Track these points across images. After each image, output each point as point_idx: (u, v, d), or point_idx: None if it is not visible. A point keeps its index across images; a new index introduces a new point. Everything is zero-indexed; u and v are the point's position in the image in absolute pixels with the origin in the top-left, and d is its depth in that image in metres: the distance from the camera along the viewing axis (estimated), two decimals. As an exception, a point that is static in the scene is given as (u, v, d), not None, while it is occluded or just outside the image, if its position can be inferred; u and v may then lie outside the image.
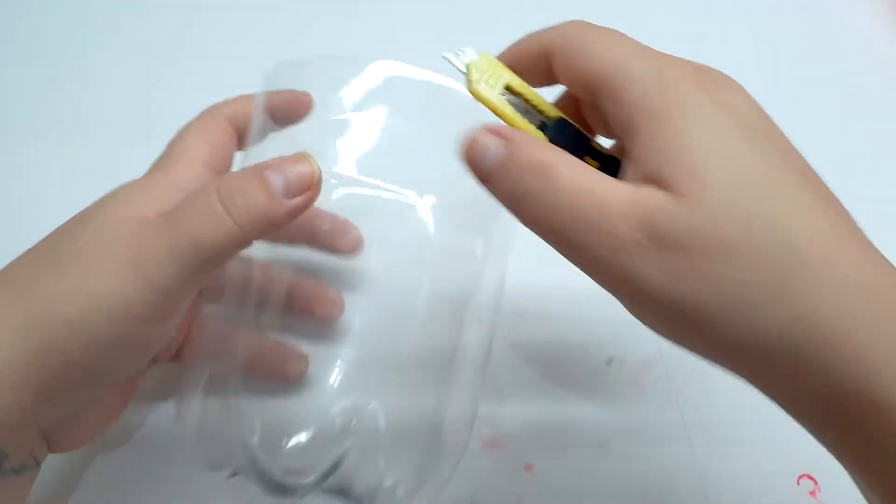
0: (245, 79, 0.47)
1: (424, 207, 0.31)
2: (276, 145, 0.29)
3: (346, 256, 0.33)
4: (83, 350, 0.23)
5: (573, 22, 0.23)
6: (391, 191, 0.31)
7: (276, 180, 0.24)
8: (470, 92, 0.23)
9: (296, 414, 0.30)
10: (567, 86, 0.24)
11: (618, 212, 0.19)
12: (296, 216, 0.25)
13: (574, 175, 0.20)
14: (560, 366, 0.37)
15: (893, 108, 0.49)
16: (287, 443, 0.29)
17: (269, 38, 0.50)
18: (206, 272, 0.24)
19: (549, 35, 0.23)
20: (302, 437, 0.29)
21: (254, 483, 0.28)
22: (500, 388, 0.35)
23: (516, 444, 0.34)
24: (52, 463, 0.26)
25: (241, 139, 0.30)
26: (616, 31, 0.22)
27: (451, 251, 0.31)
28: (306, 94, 0.30)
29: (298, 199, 0.24)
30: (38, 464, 0.24)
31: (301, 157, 0.25)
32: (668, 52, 0.22)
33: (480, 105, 0.23)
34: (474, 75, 0.23)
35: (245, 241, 0.24)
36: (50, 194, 0.42)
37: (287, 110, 0.30)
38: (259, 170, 0.24)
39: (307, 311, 0.33)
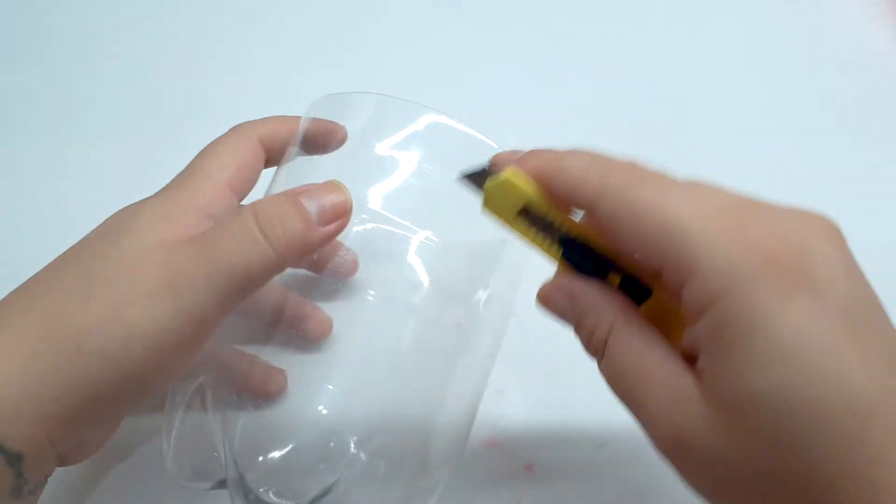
0: (247, 84, 0.48)
1: (432, 249, 0.30)
2: (309, 172, 0.29)
3: (340, 277, 0.33)
4: (115, 381, 0.22)
5: (623, 167, 0.20)
6: (407, 229, 0.30)
7: (312, 207, 0.24)
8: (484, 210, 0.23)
9: (275, 431, 0.30)
10: (611, 242, 0.22)
11: (655, 420, 0.20)
12: (327, 243, 0.25)
13: (626, 358, 0.21)
14: (560, 366, 0.37)
15: (893, 108, 0.49)
16: (263, 457, 0.28)
17: (270, 39, 0.51)
18: (240, 298, 0.24)
19: (590, 185, 0.20)
20: (277, 454, 0.29)
21: (237, 498, 0.28)
22: (500, 389, 0.35)
23: (516, 444, 0.34)
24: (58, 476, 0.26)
25: (268, 160, 0.29)
26: (672, 180, 0.20)
27: (454, 295, 0.31)
28: (342, 127, 0.29)
29: (331, 227, 0.25)
30: (46, 478, 0.24)
31: (334, 185, 0.25)
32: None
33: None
34: (487, 199, 0.23)
35: (280, 268, 0.24)
36: (50, 194, 0.42)
37: (318, 139, 0.29)
38: (293, 196, 0.24)
39: (297, 328, 0.32)
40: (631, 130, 0.46)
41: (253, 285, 0.24)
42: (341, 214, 0.25)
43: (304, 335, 0.32)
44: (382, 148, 0.29)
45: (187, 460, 0.29)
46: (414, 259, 0.30)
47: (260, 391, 0.30)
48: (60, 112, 0.46)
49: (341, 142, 0.29)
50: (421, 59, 0.49)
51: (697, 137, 0.47)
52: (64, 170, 0.43)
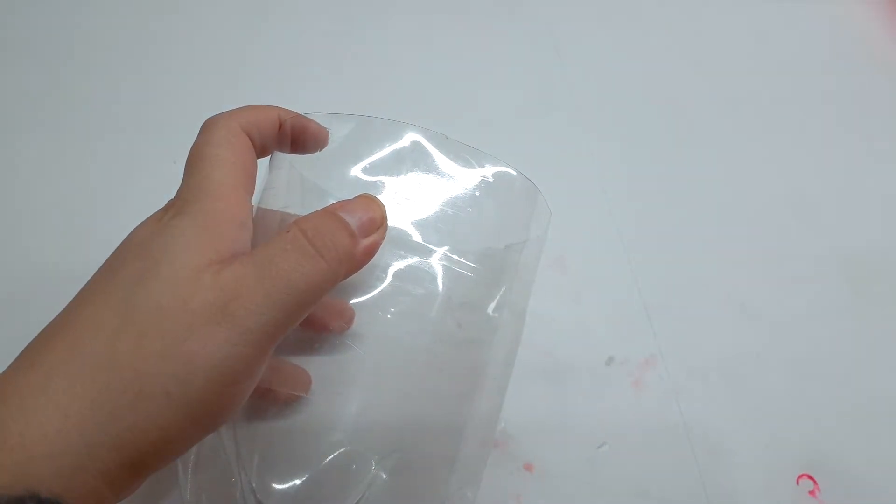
0: (247, 85, 0.48)
1: (440, 263, 0.30)
2: (307, 197, 0.29)
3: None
4: (182, 419, 0.21)
5: None
6: (421, 246, 0.30)
7: (352, 221, 0.24)
8: None
9: (293, 456, 0.29)
10: None
11: None
12: (371, 256, 0.25)
13: None
14: (560, 366, 0.37)
15: (893, 108, 0.49)
16: (282, 484, 0.27)
17: (270, 43, 0.51)
18: (300, 315, 0.23)
19: None
20: (296, 481, 0.28)
21: None
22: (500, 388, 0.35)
23: (516, 444, 0.34)
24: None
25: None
26: None
27: (467, 309, 0.31)
28: (326, 130, 0.29)
29: (371, 238, 0.25)
30: None
31: (367, 198, 0.26)
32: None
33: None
34: None
35: (334, 282, 0.24)
36: (50, 194, 0.42)
37: (305, 137, 0.28)
38: (332, 212, 0.25)
39: (321, 327, 0.30)
40: (631, 131, 0.46)
41: (312, 300, 0.23)
42: (379, 225, 0.25)
43: (330, 329, 0.31)
44: (375, 168, 0.29)
45: (205, 489, 0.28)
46: (429, 275, 0.30)
47: (283, 395, 0.29)
48: (60, 112, 0.46)
49: (323, 144, 0.29)
50: (419, 61, 0.50)
51: (698, 137, 0.47)
52: (64, 170, 0.43)
